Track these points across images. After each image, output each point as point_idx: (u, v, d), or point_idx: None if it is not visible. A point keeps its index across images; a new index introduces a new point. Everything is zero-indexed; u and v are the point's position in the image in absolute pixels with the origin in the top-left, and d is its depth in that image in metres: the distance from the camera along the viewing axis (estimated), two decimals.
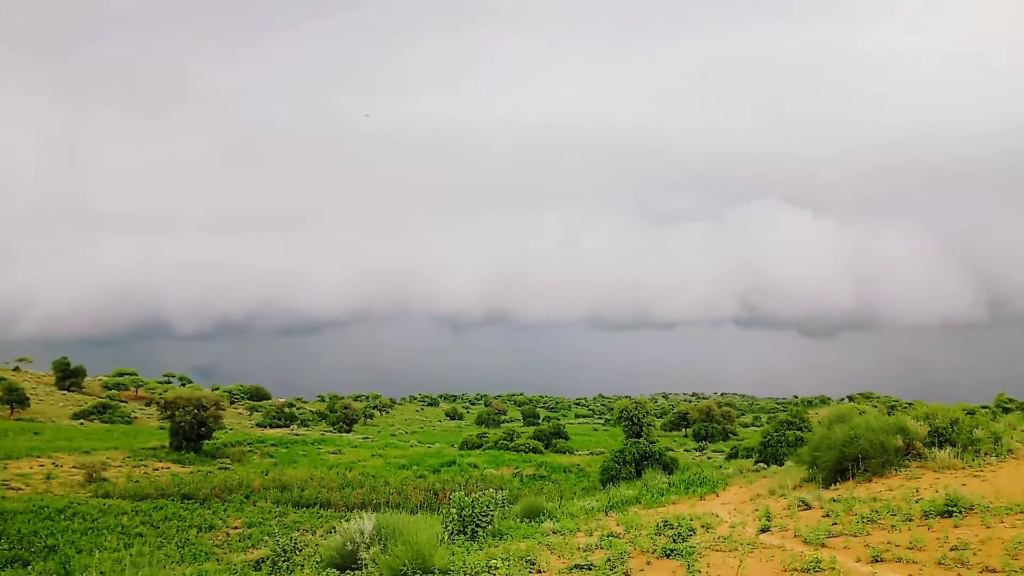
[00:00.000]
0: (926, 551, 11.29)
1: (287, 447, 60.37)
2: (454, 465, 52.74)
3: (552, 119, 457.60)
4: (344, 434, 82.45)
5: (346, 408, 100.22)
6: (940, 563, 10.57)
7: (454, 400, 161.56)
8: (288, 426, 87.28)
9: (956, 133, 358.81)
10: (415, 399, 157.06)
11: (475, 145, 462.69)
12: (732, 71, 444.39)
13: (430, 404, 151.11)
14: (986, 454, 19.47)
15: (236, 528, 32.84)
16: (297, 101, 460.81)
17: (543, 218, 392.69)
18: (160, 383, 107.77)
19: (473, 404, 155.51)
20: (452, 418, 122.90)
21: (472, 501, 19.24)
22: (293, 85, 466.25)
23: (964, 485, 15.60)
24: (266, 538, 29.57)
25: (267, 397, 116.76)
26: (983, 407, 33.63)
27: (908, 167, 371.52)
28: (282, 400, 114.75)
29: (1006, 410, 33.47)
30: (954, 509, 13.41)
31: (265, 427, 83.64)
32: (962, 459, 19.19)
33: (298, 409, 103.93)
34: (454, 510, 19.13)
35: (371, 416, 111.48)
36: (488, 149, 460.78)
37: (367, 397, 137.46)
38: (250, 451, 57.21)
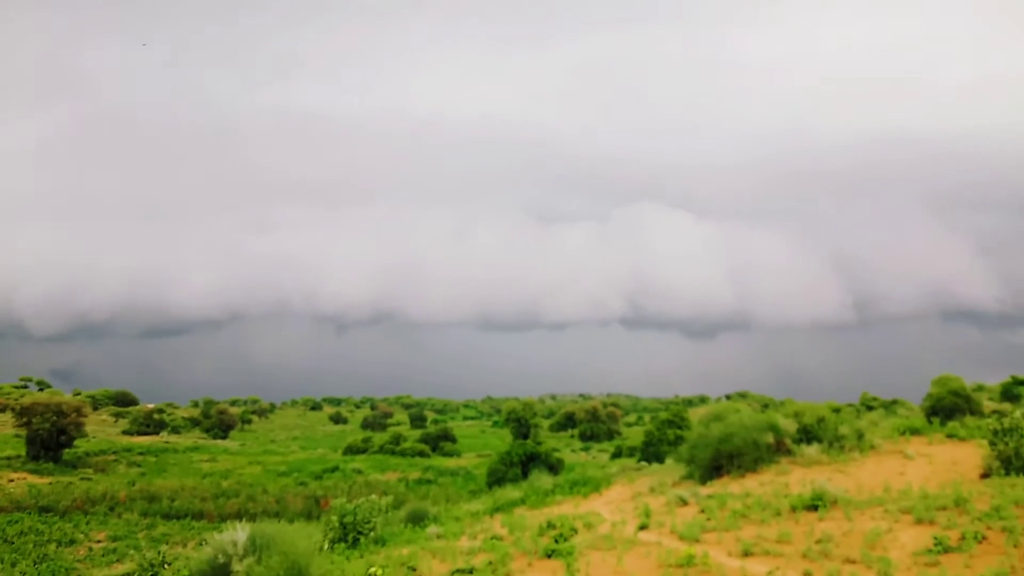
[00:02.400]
0: (793, 544, 11.78)
1: (156, 455, 57.53)
2: (337, 471, 51.61)
3: (439, 113, 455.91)
4: (219, 441, 79.29)
5: (221, 413, 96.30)
6: (805, 555, 11.04)
7: (338, 404, 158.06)
8: (158, 433, 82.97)
9: (827, 141, 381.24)
10: (297, 403, 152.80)
11: (358, 137, 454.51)
12: (619, 74, 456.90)
13: (313, 408, 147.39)
14: (850, 450, 20.64)
15: (99, 542, 30.90)
16: (166, 84, 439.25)
17: (431, 214, 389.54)
18: (16, 388, 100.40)
19: (359, 407, 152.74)
20: (336, 422, 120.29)
21: (354, 508, 18.78)
22: (161, 66, 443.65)
23: (829, 480, 16.43)
24: (132, 552, 27.98)
25: (134, 403, 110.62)
26: (849, 405, 35.77)
27: (782, 173, 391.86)
28: (151, 406, 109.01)
29: (870, 408, 35.79)
30: (819, 503, 14.09)
31: (132, 435, 79.24)
32: (828, 455, 20.26)
33: (168, 415, 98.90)
34: (335, 517, 18.63)
35: (249, 421, 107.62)
36: (372, 141, 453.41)
37: (244, 401, 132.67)
38: (115, 460, 54.12)
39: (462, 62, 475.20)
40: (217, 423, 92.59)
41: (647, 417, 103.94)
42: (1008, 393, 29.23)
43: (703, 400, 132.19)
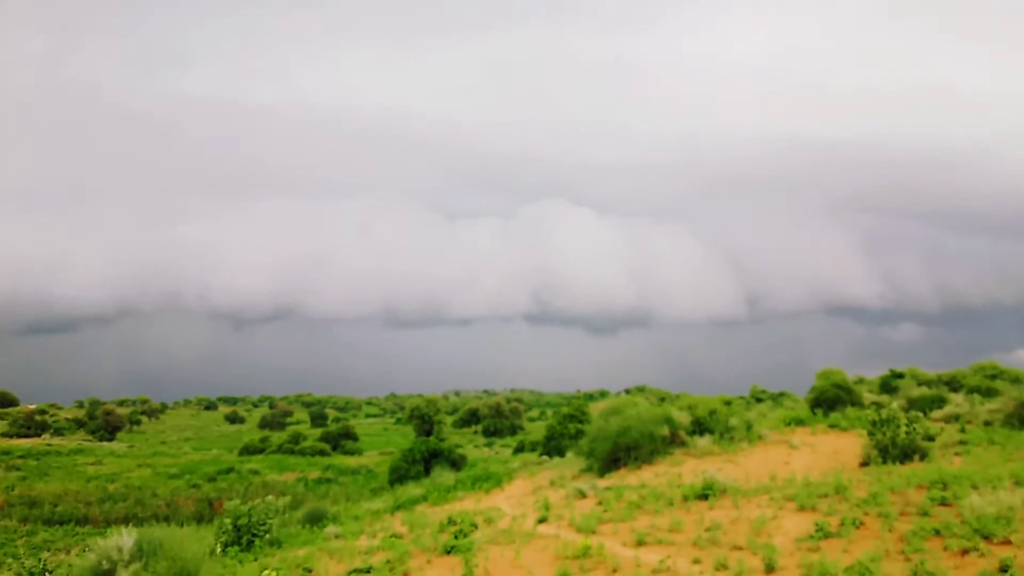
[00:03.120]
0: (684, 532, 12.14)
1: (38, 458, 54.45)
2: (233, 472, 50.04)
3: (343, 104, 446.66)
4: (106, 443, 75.62)
5: (108, 414, 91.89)
6: (695, 543, 11.39)
7: (235, 403, 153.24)
8: (39, 435, 78.49)
9: (724, 144, 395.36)
10: (190, 403, 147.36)
11: (258, 126, 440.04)
12: (526, 72, 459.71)
13: (207, 408, 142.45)
14: (740, 440, 21.47)
15: None
16: (55, 71, 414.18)
17: (334, 208, 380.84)
18: None
19: (256, 406, 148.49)
20: (232, 422, 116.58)
21: (249, 509, 18.25)
22: (46, 51, 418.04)
23: (720, 470, 17.04)
24: (10, 560, 26.38)
25: (14, 403, 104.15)
26: (740, 398, 37.21)
27: (682, 174, 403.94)
28: (32, 406, 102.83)
29: (759, 400, 37.31)
30: (710, 492, 14.58)
31: (12, 437, 74.70)
32: (720, 446, 21.02)
33: (51, 416, 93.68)
34: (228, 520, 18.06)
35: (138, 422, 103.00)
36: (273, 131, 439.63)
37: (133, 402, 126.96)
38: None
39: (367, 53, 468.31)
40: (103, 424, 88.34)
41: (550, 412, 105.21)
42: (886, 386, 30.95)
43: (604, 394, 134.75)
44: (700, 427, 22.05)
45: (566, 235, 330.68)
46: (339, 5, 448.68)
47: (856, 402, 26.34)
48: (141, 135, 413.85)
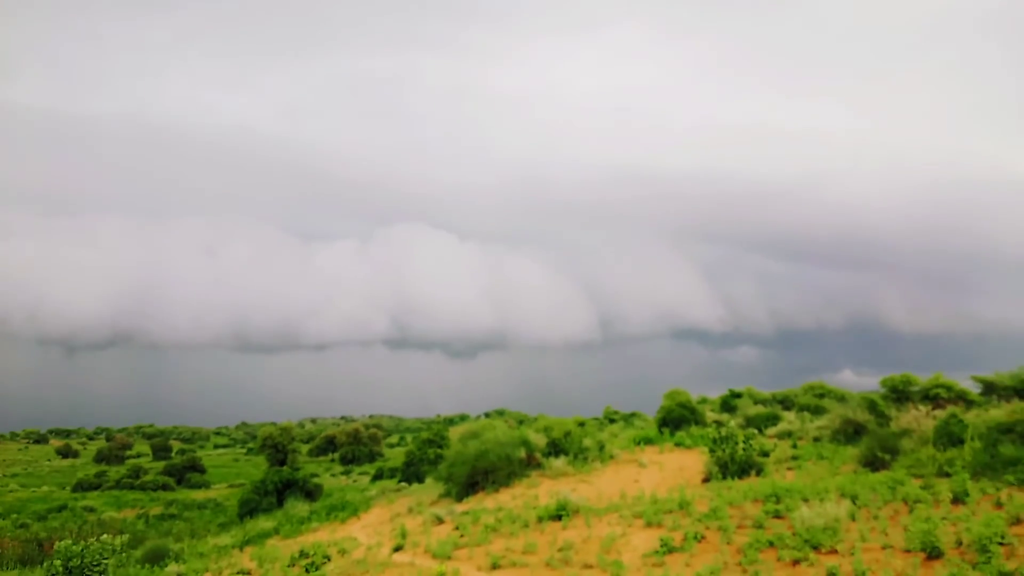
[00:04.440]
0: (538, 554, 12.38)
1: None
2: (65, 510, 46.35)
3: (190, 122, 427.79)
4: None
5: None
6: (548, 564, 11.65)
7: (68, 435, 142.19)
8: None
9: (575, 173, 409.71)
10: (17, 436, 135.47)
11: (91, 139, 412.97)
12: (377, 93, 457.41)
13: (37, 441, 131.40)
14: (593, 460, 22.11)
15: None
16: None
17: (178, 228, 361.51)
18: None
19: (92, 439, 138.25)
20: (65, 456, 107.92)
21: (82, 550, 16.97)
22: None
23: (574, 490, 17.47)
24: None
25: None
26: (594, 419, 38.28)
27: (537, 200, 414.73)
28: None
29: (612, 420, 38.52)
30: (563, 513, 14.94)
31: None
32: (574, 466, 21.56)
33: None
34: (58, 562, 16.70)
35: None
36: (108, 145, 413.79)
37: None
38: None
39: (216, 69, 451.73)
40: None
41: (409, 438, 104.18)
42: (726, 404, 32.78)
43: (464, 418, 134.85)
44: (556, 449, 22.55)
45: (425, 258, 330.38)
46: (181, 17, 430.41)
47: (700, 421, 27.75)
48: None
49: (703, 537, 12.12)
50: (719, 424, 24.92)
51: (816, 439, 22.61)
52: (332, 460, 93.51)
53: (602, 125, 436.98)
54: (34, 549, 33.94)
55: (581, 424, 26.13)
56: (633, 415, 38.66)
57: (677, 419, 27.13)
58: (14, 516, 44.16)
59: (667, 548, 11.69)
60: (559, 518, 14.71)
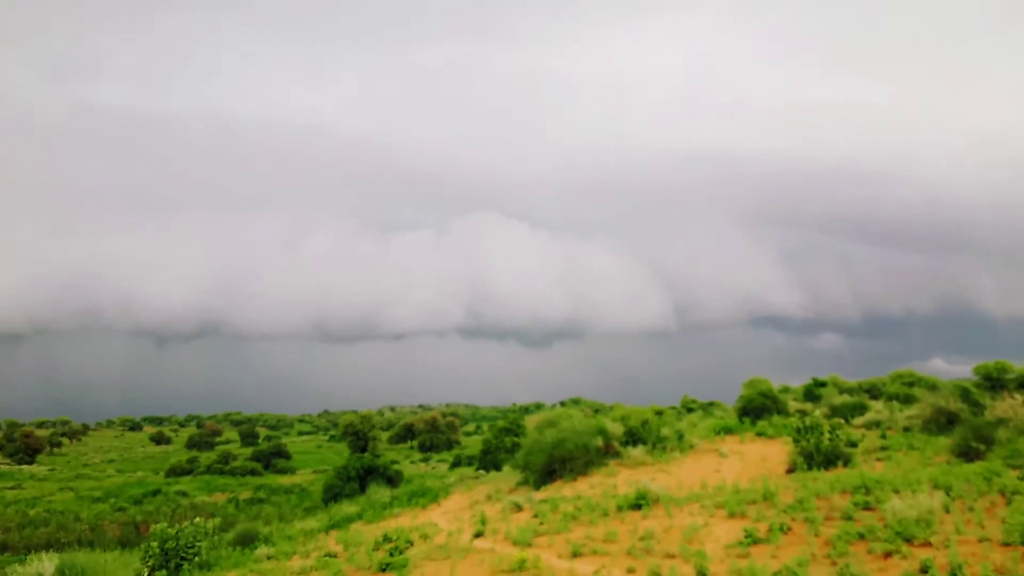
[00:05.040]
0: (618, 543, 12.32)
1: None
2: (159, 494, 48.55)
3: (266, 118, 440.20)
4: (26, 466, 72.55)
5: (27, 436, 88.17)
6: (629, 553, 11.57)
7: (160, 423, 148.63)
8: None
9: (649, 157, 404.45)
10: (114, 423, 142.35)
11: (177, 139, 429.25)
12: (447, 84, 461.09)
13: (132, 428, 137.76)
14: (672, 450, 21.88)
15: None
16: None
17: (260, 222, 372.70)
18: None
19: (183, 426, 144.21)
20: (158, 443, 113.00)
21: (177, 532, 17.72)
22: None
23: (653, 479, 17.32)
24: None
25: None
26: (671, 408, 37.84)
27: (610, 187, 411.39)
28: None
29: (690, 410, 37.97)
30: (643, 502, 14.82)
31: None
32: (652, 456, 21.37)
33: None
34: (155, 543, 17.49)
35: (59, 444, 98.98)
36: (193, 144, 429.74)
37: (53, 423, 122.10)
38: None
39: (291, 66, 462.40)
40: (22, 447, 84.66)
41: (485, 426, 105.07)
42: (810, 394, 31.98)
43: (539, 407, 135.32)
44: (633, 438, 22.39)
45: (498, 248, 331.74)
46: (256, 17, 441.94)
47: (782, 410, 27.14)
48: (53, 145, 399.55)
49: (789, 529, 11.86)
50: (803, 413, 24.32)
51: (906, 429, 21.86)
52: (411, 447, 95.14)
53: (672, 109, 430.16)
54: (131, 531, 35.76)
55: (659, 413, 25.86)
56: (711, 404, 38.05)
57: (758, 408, 26.59)
58: (112, 500, 46.51)
59: (752, 539, 11.48)
60: (639, 507, 14.60)
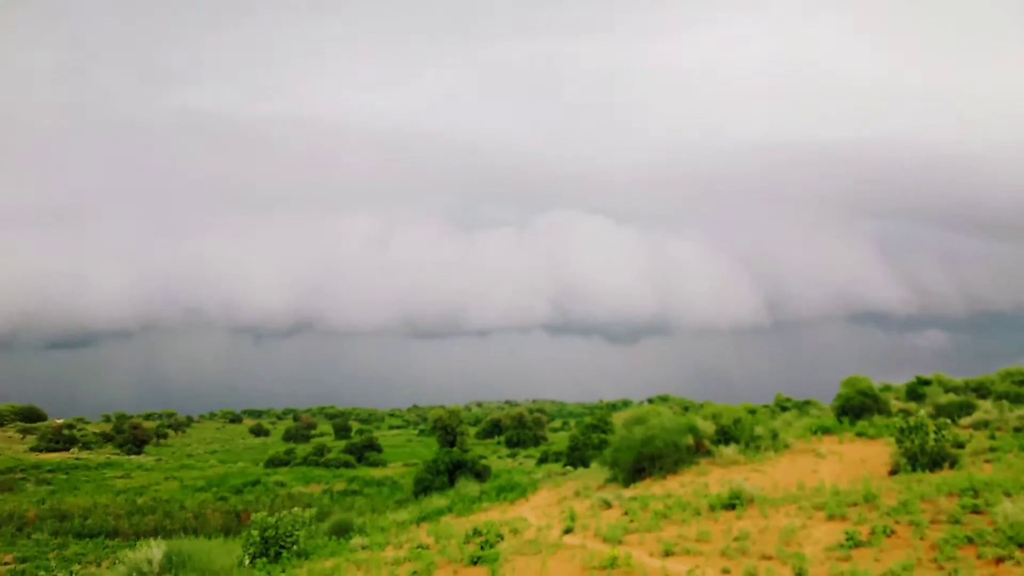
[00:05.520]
0: (712, 542, 12.08)
1: (67, 472, 55.11)
2: (259, 484, 50.34)
3: (350, 118, 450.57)
4: (134, 456, 76.41)
5: (135, 428, 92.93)
6: (723, 553, 11.32)
7: (259, 416, 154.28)
8: (68, 449, 79.49)
9: (737, 149, 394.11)
10: (215, 416, 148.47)
11: (268, 140, 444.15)
12: (531, 80, 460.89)
13: (233, 421, 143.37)
14: (766, 449, 21.29)
15: (7, 564, 29.37)
16: (63, 84, 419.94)
17: (348, 221, 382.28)
18: None
19: (280, 419, 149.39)
20: (257, 435, 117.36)
21: (276, 521, 18.36)
22: (57, 66, 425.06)
23: (746, 479, 16.91)
24: (42, 573, 26.69)
25: (42, 418, 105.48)
26: (764, 406, 36.83)
27: (697, 180, 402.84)
28: (60, 421, 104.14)
29: (784, 408, 36.86)
30: (737, 502, 14.48)
31: (41, 451, 75.71)
32: (745, 455, 20.86)
33: (79, 430, 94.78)
34: (256, 532, 18.15)
35: (165, 436, 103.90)
36: (283, 145, 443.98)
37: (159, 415, 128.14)
38: (23, 478, 51.57)
39: (374, 66, 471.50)
40: (131, 438, 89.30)
41: (572, 422, 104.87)
42: (913, 392, 30.57)
43: (626, 404, 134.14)
44: (725, 436, 21.91)
45: (583, 244, 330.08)
46: (342, 20, 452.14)
47: (883, 410, 26.05)
48: (156, 149, 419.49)
49: (893, 532, 11.38)
50: (906, 413, 23.30)
51: (1017, 429, 20.66)
52: (498, 443, 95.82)
53: (762, 98, 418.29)
54: (233, 520, 37.16)
55: (752, 412, 25.23)
56: (807, 403, 36.87)
57: (857, 407, 25.61)
58: (214, 489, 48.46)
59: (853, 542, 11.07)
60: (733, 507, 14.29)
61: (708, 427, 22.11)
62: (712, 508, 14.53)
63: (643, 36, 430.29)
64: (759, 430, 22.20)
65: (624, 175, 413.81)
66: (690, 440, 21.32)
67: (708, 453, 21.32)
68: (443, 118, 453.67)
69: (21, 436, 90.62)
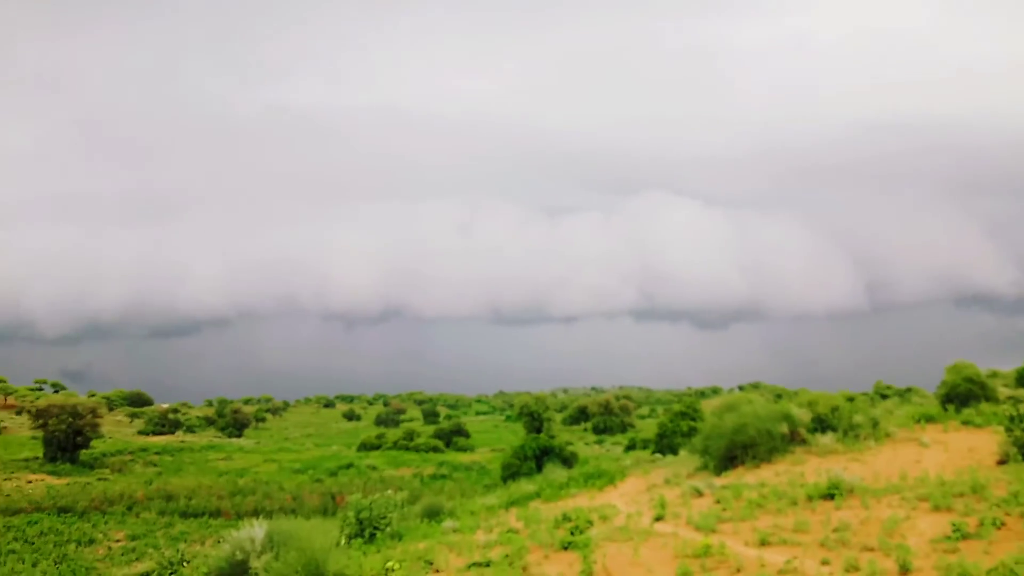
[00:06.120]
0: (810, 533, 11.75)
1: (173, 455, 57.92)
2: (352, 467, 51.82)
3: (433, 106, 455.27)
4: (234, 439, 79.68)
5: (236, 412, 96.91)
6: (823, 544, 11.01)
7: (351, 401, 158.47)
8: (173, 433, 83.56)
9: (832, 128, 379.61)
10: (310, 401, 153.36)
11: (354, 131, 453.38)
12: (613, 62, 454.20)
13: (326, 406, 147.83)
14: (865, 438, 20.55)
15: (118, 541, 31.17)
16: (160, 82, 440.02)
17: (434, 209, 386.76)
18: (31, 390, 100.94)
19: (371, 404, 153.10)
20: (350, 419, 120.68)
21: (370, 503, 18.85)
22: (154, 65, 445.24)
23: (845, 469, 16.38)
24: (151, 551, 28.22)
25: (149, 403, 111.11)
26: (863, 394, 35.56)
27: (790, 161, 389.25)
28: (166, 406, 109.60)
29: (884, 396, 35.46)
30: (836, 492, 14.05)
31: (148, 435, 79.78)
32: (843, 444, 20.18)
33: (183, 415, 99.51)
34: (351, 513, 18.70)
35: (263, 420, 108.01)
36: (368, 136, 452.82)
37: (258, 400, 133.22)
38: (132, 460, 54.52)
39: (457, 54, 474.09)
40: (231, 422, 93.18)
41: (660, 409, 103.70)
42: (1023, 379, 28.98)
43: (716, 391, 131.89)
44: (822, 425, 21.25)
45: (670, 227, 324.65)
46: (424, 10, 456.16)
47: (991, 397, 24.76)
48: (249, 143, 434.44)
49: (1003, 523, 10.84)
50: (1016, 400, 22.10)
51: None
52: (584, 429, 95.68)
53: (856, 75, 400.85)
54: (329, 501, 38.34)
55: (850, 399, 24.38)
56: (909, 390, 35.46)
57: (963, 395, 24.41)
58: (311, 472, 50.12)
59: (960, 534, 10.59)
60: (831, 497, 13.87)
61: (804, 415, 21.48)
62: (809, 498, 14.14)
63: (730, 12, 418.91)
64: (858, 418, 21.42)
65: (712, 156, 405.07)
66: (785, 428, 20.77)
67: (804, 442, 20.74)
68: (524, 102, 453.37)
69: (130, 420, 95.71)
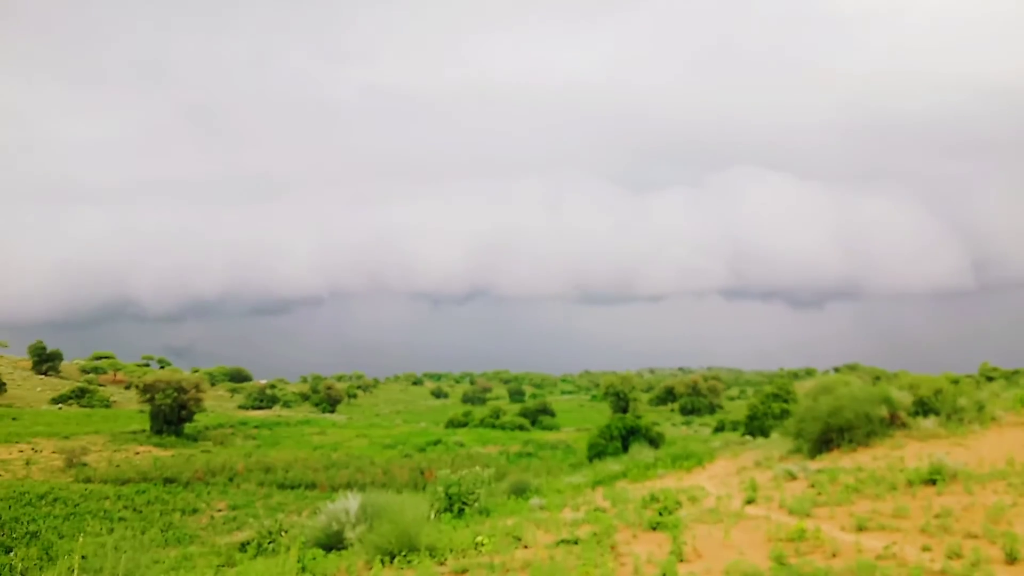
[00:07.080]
0: (910, 519, 11.33)
1: (270, 429, 60.22)
2: (440, 444, 52.80)
3: (522, 82, 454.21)
4: (328, 415, 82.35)
5: (329, 388, 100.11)
6: (923, 530, 10.59)
7: (439, 379, 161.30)
8: (271, 407, 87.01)
9: (937, 91, 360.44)
10: (399, 378, 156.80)
11: (444, 110, 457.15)
12: (703, 34, 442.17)
13: (415, 383, 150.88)
14: (970, 422, 19.62)
15: (220, 511, 32.72)
16: (257, 67, 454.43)
17: (520, 186, 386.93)
18: (139, 366, 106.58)
19: (458, 382, 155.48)
20: (437, 397, 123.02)
21: (458, 479, 19.18)
22: (252, 50, 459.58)
23: (948, 453, 15.69)
24: (251, 520, 29.45)
25: (248, 379, 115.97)
26: (968, 376, 33.85)
27: (888, 132, 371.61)
28: (264, 382, 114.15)
29: (990, 379, 33.73)
30: (938, 477, 13.48)
31: (247, 409, 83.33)
32: (946, 428, 19.33)
33: (280, 390, 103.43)
34: (440, 488, 19.06)
35: (355, 396, 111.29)
36: (457, 114, 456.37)
37: (350, 377, 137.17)
38: (232, 433, 56.99)
39: (540, 28, 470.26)
40: (325, 398, 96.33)
41: (750, 391, 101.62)
42: None
43: (809, 373, 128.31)
44: (923, 408, 20.40)
45: (761, 202, 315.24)
46: None
47: None
48: (340, 125, 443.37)
49: None
50: None
51: None
52: (671, 410, 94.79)
53: (963, 36, 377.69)
54: (418, 476, 39.20)
55: (954, 382, 23.31)
56: (1016, 372, 33.64)
57: None
58: (400, 447, 51.31)
59: None
60: (933, 482, 13.32)
61: (904, 398, 20.66)
62: (910, 483, 13.61)
63: None
64: (962, 401, 20.47)
65: (805, 128, 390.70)
66: (884, 411, 20.03)
67: (904, 426, 19.96)
68: (613, 75, 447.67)
69: (230, 395, 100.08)
